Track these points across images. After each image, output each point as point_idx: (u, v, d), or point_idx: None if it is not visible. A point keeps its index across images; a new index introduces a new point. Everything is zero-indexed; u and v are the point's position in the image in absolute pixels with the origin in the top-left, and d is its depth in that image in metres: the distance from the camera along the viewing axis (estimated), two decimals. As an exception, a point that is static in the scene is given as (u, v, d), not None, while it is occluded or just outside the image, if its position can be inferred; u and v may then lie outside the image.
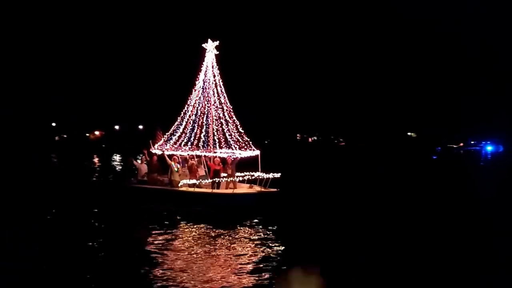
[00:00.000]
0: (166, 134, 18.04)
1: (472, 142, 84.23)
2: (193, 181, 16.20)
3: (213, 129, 17.36)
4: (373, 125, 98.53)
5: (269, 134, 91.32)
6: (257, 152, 17.27)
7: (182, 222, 14.37)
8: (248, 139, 17.51)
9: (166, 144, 17.65)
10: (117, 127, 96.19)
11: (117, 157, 47.10)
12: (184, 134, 17.61)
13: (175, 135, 17.76)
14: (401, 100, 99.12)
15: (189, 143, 17.35)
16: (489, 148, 75.20)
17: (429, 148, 71.11)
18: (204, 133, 17.42)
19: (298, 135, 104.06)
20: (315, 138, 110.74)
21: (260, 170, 17.02)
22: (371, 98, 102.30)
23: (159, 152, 17.60)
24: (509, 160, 49.69)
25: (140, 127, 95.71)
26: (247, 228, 13.83)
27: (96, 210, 16.17)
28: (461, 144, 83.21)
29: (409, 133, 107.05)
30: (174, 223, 14.22)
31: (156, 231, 13.01)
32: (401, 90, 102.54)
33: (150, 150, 17.91)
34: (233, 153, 16.90)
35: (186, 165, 17.86)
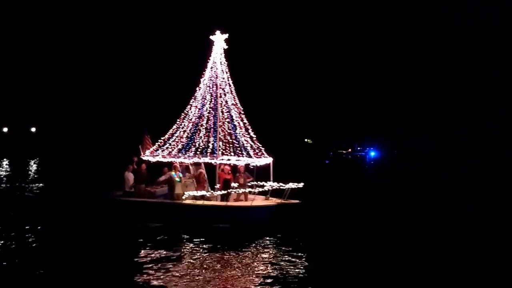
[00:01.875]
0: (163, 138, 15.49)
1: (359, 148, 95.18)
2: (202, 192, 14.30)
3: (224, 133, 15.62)
4: (274, 131, 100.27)
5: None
6: (270, 159, 15.13)
7: (187, 242, 12.59)
8: (260, 145, 15.28)
9: (158, 151, 15.73)
10: (5, 129, 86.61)
11: (4, 162, 42.49)
12: (186, 139, 15.13)
13: (172, 139, 15.33)
14: (302, 107, 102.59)
15: (193, 148, 14.86)
16: (372, 153, 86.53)
17: (323, 153, 79.72)
18: (207, 138, 14.93)
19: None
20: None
21: (272, 179, 15.36)
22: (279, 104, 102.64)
23: (153, 160, 14.91)
24: (386, 163, 60.80)
25: (33, 129, 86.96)
26: (266, 246, 12.47)
27: (75, 230, 13.59)
28: (350, 150, 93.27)
29: (306, 140, 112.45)
30: (177, 243, 12.43)
31: (154, 254, 11.21)
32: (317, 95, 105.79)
33: (141, 157, 15.08)
34: (252, 161, 15.02)
35: (188, 174, 15.51)
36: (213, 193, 14.44)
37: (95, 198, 17.64)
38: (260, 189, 14.80)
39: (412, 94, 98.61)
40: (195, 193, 14.38)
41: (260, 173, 15.90)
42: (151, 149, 15.86)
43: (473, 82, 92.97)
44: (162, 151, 15.60)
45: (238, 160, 15.29)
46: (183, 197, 14.30)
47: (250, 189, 14.88)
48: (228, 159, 15.21)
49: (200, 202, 14.27)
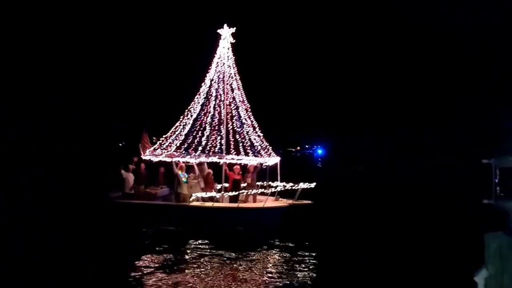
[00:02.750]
0: (165, 136, 14.36)
1: (307, 146, 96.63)
2: (212, 194, 13.53)
3: (232, 132, 14.36)
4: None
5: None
6: (278, 159, 14.23)
7: (193, 245, 11.71)
8: (268, 144, 14.39)
9: (158, 150, 14.72)
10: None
11: None
12: (191, 137, 14.05)
13: (174, 137, 14.22)
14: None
15: (200, 147, 13.78)
16: (320, 151, 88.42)
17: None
18: (213, 136, 13.91)
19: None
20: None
21: (279, 179, 14.64)
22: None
23: (155, 159, 13.89)
24: (332, 160, 65.86)
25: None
26: (277, 248, 11.72)
27: (75, 231, 12.70)
28: (298, 147, 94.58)
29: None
30: (183, 246, 11.55)
31: (159, 258, 10.35)
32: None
33: (141, 156, 14.09)
34: (264, 160, 13.89)
35: (192, 174, 14.61)
36: (224, 194, 13.52)
37: (94, 199, 16.48)
38: (273, 190, 14.00)
39: (412, 94, 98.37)
40: (203, 194, 13.48)
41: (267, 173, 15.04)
42: (152, 148, 14.92)
43: (473, 82, 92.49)
44: (162, 149, 14.58)
45: (249, 159, 14.41)
46: (191, 199, 13.44)
47: (263, 190, 14.02)
48: (239, 159, 14.31)
49: (209, 204, 13.37)
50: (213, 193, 13.59)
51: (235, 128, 14.79)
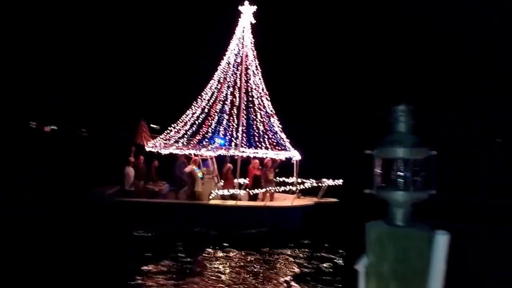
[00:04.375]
0: (173, 125, 12.77)
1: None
2: (236, 191, 11.91)
3: (255, 122, 12.80)
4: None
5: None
6: (297, 153, 12.70)
7: (207, 248, 10.22)
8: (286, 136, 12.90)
9: (159, 141, 13.10)
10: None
11: None
12: (206, 127, 12.43)
13: (178, 127, 12.59)
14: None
15: (217, 139, 12.21)
16: (221, 141, 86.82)
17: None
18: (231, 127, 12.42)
19: (33, 123, 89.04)
20: (54, 127, 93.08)
21: (297, 175, 13.05)
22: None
23: (165, 152, 12.34)
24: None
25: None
26: (300, 251, 10.28)
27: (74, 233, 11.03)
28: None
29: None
30: (198, 250, 10.03)
31: (170, 264, 9.04)
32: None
33: (145, 148, 12.44)
34: (294, 155, 12.87)
35: (205, 168, 13.46)
36: (250, 191, 11.94)
37: (83, 200, 13.36)
38: (301, 187, 12.36)
39: (412, 94, 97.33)
40: (225, 192, 11.85)
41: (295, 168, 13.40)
42: (157, 139, 13.18)
43: (473, 82, 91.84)
44: (167, 140, 12.90)
45: (275, 154, 12.76)
46: (210, 197, 11.72)
47: (291, 187, 12.42)
48: (264, 153, 12.63)
49: (232, 203, 11.72)
50: (237, 190, 11.91)
51: (255, 118, 13.12)
